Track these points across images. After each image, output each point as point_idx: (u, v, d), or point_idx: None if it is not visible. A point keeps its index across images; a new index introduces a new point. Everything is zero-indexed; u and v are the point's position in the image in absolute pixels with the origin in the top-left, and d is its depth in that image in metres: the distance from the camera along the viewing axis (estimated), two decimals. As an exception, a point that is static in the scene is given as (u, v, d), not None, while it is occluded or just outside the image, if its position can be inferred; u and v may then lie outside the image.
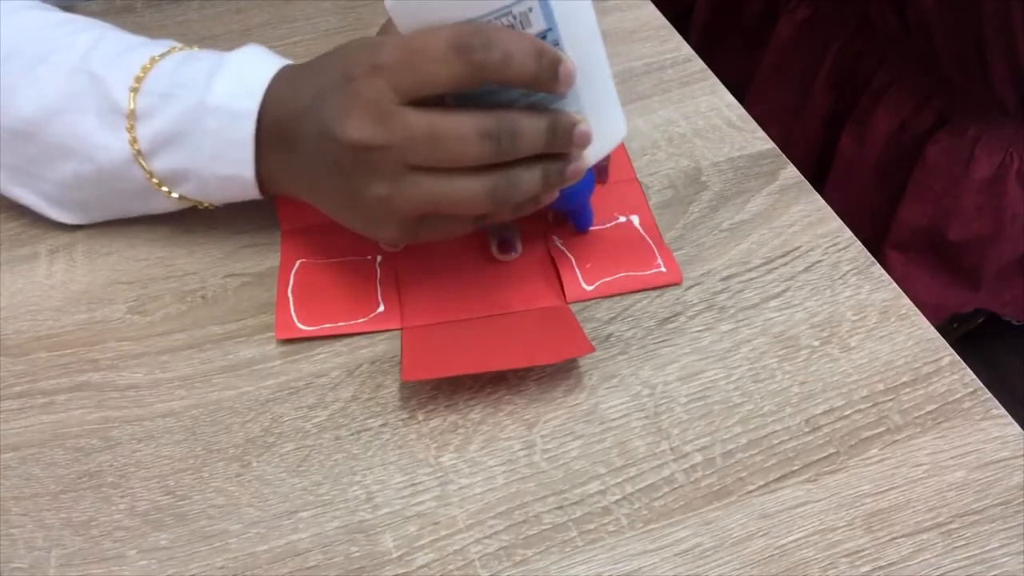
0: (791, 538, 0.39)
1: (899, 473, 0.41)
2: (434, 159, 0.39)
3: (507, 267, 0.48)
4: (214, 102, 0.43)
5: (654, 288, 0.47)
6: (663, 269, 0.48)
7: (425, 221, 0.42)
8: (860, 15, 0.87)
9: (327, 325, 0.45)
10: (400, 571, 0.38)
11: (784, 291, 0.47)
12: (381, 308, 0.46)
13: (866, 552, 0.38)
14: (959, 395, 0.43)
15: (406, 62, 0.38)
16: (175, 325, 0.46)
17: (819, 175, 0.96)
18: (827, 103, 0.94)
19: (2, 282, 0.47)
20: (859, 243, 0.49)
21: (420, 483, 0.40)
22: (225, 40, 0.60)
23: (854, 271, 0.48)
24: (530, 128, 0.39)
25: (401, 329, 0.46)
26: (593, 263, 0.48)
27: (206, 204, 0.47)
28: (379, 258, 0.48)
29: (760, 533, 0.39)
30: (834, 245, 0.49)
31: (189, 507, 0.40)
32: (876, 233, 0.90)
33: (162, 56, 0.45)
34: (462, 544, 0.38)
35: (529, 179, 0.40)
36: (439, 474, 0.41)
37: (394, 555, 0.38)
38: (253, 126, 0.43)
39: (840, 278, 0.48)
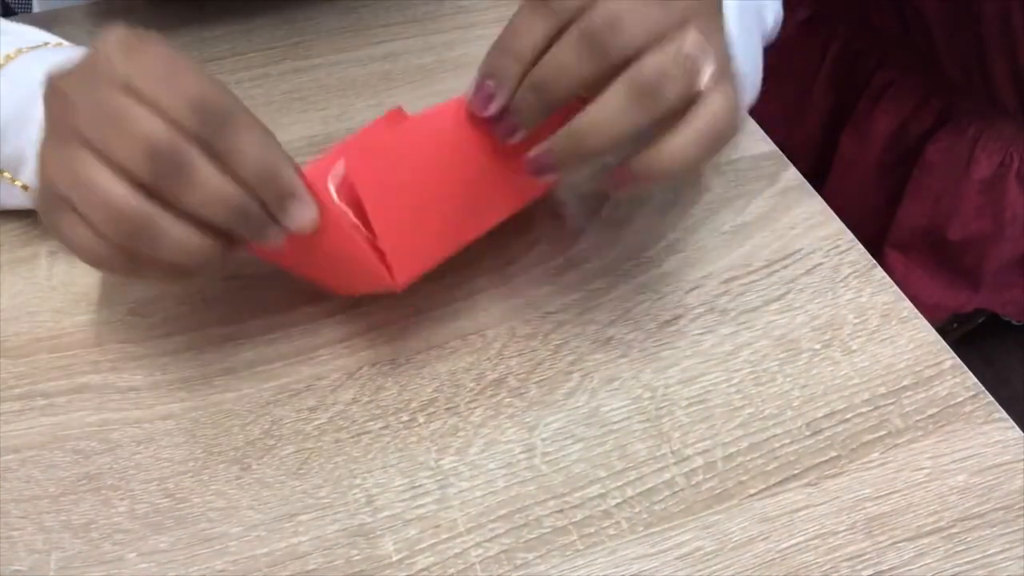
0: (792, 542, 0.39)
1: (900, 477, 0.41)
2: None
3: (483, 175, 0.41)
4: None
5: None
6: None
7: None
8: (860, 15, 0.87)
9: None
10: (400, 574, 0.38)
11: (785, 294, 0.47)
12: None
13: (867, 556, 0.38)
14: (961, 398, 0.43)
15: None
16: (175, 327, 0.46)
17: (819, 175, 0.96)
18: (827, 103, 0.94)
19: (2, 283, 0.47)
20: (860, 246, 0.49)
21: (420, 486, 0.40)
22: (225, 40, 0.60)
23: (855, 274, 0.48)
24: (209, 178, 0.33)
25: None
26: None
27: None
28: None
29: (761, 537, 0.39)
30: (835, 248, 0.49)
31: (189, 510, 0.39)
32: (876, 233, 0.90)
33: (30, 48, 0.45)
34: (462, 547, 0.38)
35: (176, 236, 0.34)
36: (439, 477, 0.41)
37: (394, 558, 0.38)
38: None
39: (841, 281, 0.48)
